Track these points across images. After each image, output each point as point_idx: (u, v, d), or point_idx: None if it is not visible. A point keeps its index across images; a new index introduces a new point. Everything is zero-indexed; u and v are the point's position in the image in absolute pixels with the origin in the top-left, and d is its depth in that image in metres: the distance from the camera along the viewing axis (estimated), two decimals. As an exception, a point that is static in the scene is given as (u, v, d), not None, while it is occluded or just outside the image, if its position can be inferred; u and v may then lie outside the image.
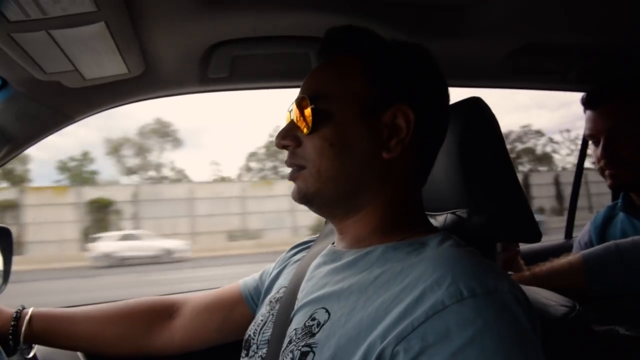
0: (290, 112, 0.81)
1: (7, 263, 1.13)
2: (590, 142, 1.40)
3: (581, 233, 1.63)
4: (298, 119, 0.78)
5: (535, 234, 0.84)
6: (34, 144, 1.18)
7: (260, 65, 1.21)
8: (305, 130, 0.76)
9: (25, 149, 1.17)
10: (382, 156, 0.74)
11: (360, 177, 0.76)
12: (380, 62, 0.77)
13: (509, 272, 1.33)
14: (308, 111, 0.76)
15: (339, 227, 0.83)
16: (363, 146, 0.75)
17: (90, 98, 1.17)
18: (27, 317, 0.97)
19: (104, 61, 0.96)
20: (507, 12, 1.10)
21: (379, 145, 0.75)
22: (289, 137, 0.79)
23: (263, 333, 0.83)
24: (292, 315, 0.76)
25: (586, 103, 1.37)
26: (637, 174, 1.30)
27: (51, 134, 1.19)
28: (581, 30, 1.26)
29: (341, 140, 0.75)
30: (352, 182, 0.76)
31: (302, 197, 0.79)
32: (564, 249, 1.73)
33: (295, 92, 0.83)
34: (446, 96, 0.82)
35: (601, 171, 1.36)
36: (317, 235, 1.04)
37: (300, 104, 0.78)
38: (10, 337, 0.96)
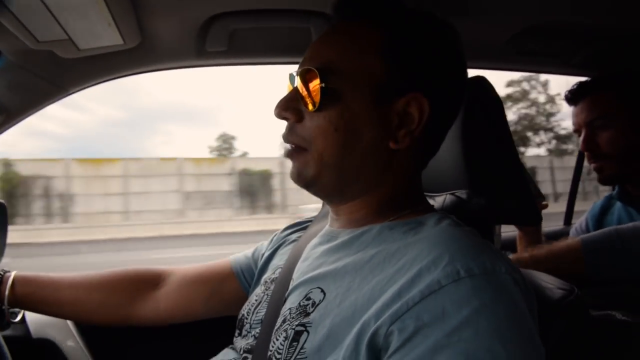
0: (294, 78, 0.74)
1: (2, 239, 1.12)
2: None
3: (578, 221, 1.64)
4: (303, 92, 0.71)
5: (534, 216, 0.83)
6: (28, 115, 1.16)
7: (259, 39, 1.19)
8: (310, 107, 0.70)
9: (19, 121, 1.15)
10: (388, 146, 0.70)
11: (363, 166, 0.71)
12: (404, 40, 0.69)
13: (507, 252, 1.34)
14: (315, 87, 0.69)
15: (335, 209, 0.80)
16: (371, 134, 0.70)
17: (85, 69, 1.15)
18: (10, 281, 0.96)
19: (98, 31, 0.94)
20: None
21: (387, 135, 0.70)
22: (290, 109, 0.73)
23: (257, 313, 0.82)
24: (286, 294, 0.75)
25: (567, 99, 1.41)
26: (618, 165, 1.32)
27: (45, 105, 1.17)
28: (587, 12, 1.23)
29: (348, 125, 0.69)
30: (354, 171, 0.72)
31: (302, 180, 0.74)
32: (563, 235, 1.73)
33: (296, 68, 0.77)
34: (465, 84, 0.76)
35: (590, 165, 1.40)
36: (314, 215, 1.02)
37: (305, 75, 0.70)
38: None
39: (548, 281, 0.78)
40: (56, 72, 1.12)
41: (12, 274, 0.98)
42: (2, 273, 0.98)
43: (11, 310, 1.00)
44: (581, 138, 1.36)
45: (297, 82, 0.72)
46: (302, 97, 0.71)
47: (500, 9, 1.15)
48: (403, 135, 0.70)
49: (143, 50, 1.11)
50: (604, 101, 1.32)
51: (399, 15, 0.72)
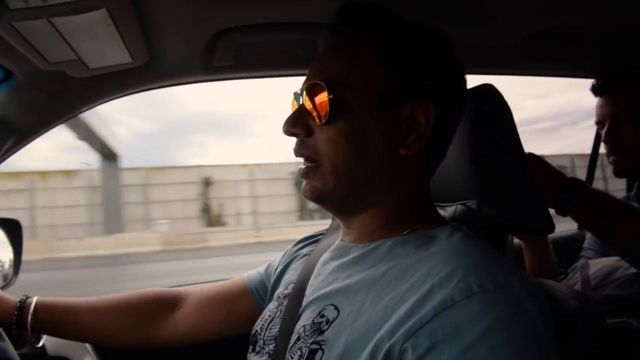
0: (300, 96, 0.75)
1: (18, 255, 1.14)
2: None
3: None
4: (310, 106, 0.72)
5: (547, 225, 0.82)
6: (39, 135, 1.17)
7: (266, 52, 1.19)
8: (317, 121, 0.71)
9: (30, 141, 1.16)
10: (399, 153, 0.71)
11: (377, 174, 0.72)
12: (402, 50, 0.72)
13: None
14: (322, 100, 0.70)
15: (346, 222, 0.80)
16: (381, 142, 0.71)
17: (95, 88, 1.16)
18: (32, 307, 0.97)
19: (107, 50, 0.95)
20: None
21: (396, 141, 0.71)
22: (299, 124, 0.74)
23: (270, 329, 0.82)
24: (300, 311, 0.74)
25: (594, 90, 1.39)
26: (638, 159, 1.31)
27: (57, 125, 1.19)
28: (596, 14, 1.22)
29: (358, 134, 0.70)
30: (368, 179, 0.72)
31: (317, 196, 0.74)
32: (577, 239, 1.70)
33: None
34: (465, 88, 0.78)
35: (608, 158, 1.38)
36: (325, 229, 1.02)
37: (312, 90, 0.72)
38: (14, 326, 0.95)
39: (563, 291, 0.77)
40: (67, 92, 1.13)
41: (34, 300, 0.98)
42: (24, 299, 0.98)
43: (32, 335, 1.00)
44: (604, 130, 1.35)
45: (304, 97, 0.74)
46: (309, 112, 0.73)
47: (507, 15, 1.15)
48: (412, 140, 0.71)
49: (152, 67, 1.11)
50: (631, 94, 1.31)
51: (395, 28, 0.74)
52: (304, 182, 0.76)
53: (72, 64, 0.98)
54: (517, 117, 0.82)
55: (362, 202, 0.75)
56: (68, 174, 20.98)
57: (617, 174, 1.37)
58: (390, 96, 0.71)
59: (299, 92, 0.76)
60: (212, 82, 1.27)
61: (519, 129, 0.82)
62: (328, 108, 0.70)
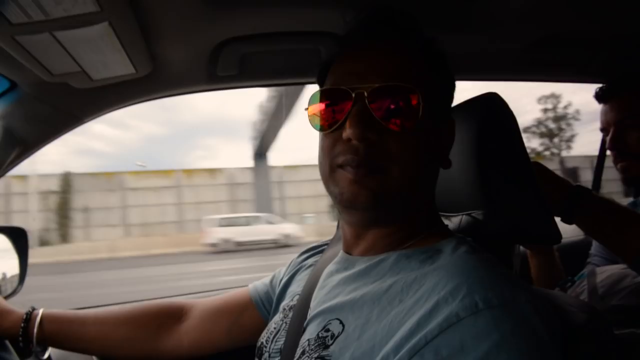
0: (363, 96, 0.68)
1: (23, 264, 1.13)
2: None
3: None
4: (384, 109, 0.67)
5: (554, 235, 0.81)
6: (43, 146, 1.17)
7: (269, 62, 1.19)
8: (396, 126, 0.67)
9: (34, 152, 1.17)
10: (441, 166, 0.76)
11: (425, 185, 0.75)
12: (445, 68, 0.77)
13: None
14: (405, 104, 0.67)
15: (361, 232, 0.76)
16: (435, 154, 0.74)
17: (99, 99, 1.16)
18: (38, 319, 0.97)
19: (110, 62, 0.95)
20: (523, 2, 1.06)
21: (439, 155, 0.75)
22: (373, 128, 0.66)
23: (276, 341, 0.81)
24: (305, 324, 0.74)
25: (598, 96, 1.38)
26: None
27: (60, 135, 1.19)
28: (602, 19, 1.21)
29: (428, 144, 0.70)
30: (423, 190, 0.75)
31: (371, 202, 0.67)
32: (583, 245, 1.68)
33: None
34: None
35: (615, 165, 1.36)
36: (330, 239, 1.01)
37: (390, 92, 0.67)
38: (21, 338, 0.95)
39: (571, 303, 0.76)
40: (71, 103, 1.13)
41: (40, 312, 0.98)
42: (30, 310, 0.98)
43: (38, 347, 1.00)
44: (609, 137, 1.34)
45: (370, 99, 0.68)
46: (385, 115, 0.67)
47: (513, 21, 1.14)
48: (446, 155, 0.76)
49: (155, 78, 1.11)
50: (636, 101, 1.29)
51: (433, 44, 0.77)
52: (355, 185, 0.67)
53: (75, 75, 0.98)
54: (525, 119, 0.85)
55: (403, 212, 0.73)
56: (211, 172, 24.91)
57: (626, 182, 1.35)
58: (443, 110, 0.75)
59: (351, 89, 0.69)
60: (216, 91, 1.27)
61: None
62: (412, 113, 0.67)
